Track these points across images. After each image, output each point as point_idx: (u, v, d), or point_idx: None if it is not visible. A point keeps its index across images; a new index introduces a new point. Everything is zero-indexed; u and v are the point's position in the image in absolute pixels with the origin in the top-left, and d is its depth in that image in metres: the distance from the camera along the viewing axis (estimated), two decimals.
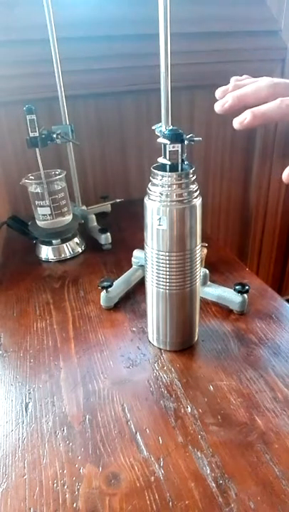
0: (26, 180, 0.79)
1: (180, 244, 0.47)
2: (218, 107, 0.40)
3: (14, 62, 0.90)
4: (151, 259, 0.49)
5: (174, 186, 0.45)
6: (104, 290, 0.63)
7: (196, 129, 1.15)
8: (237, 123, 0.37)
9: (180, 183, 0.45)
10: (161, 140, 0.44)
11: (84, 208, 0.94)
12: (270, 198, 1.35)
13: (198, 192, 0.47)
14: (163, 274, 0.49)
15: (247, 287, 0.60)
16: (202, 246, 0.68)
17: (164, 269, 0.49)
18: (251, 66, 1.11)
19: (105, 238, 0.85)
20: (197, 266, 0.50)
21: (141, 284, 0.69)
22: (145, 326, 0.59)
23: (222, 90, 0.41)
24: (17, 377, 0.52)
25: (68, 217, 0.85)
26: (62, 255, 0.83)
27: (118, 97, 1.04)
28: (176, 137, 0.43)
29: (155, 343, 0.56)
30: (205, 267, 0.65)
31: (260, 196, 1.33)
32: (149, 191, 0.47)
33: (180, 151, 0.44)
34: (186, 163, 0.45)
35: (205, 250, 0.71)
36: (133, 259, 0.71)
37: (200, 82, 1.08)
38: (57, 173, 0.83)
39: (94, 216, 0.92)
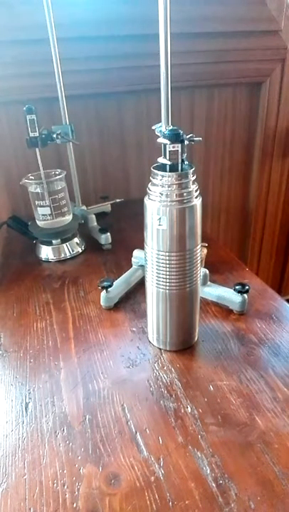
0: (26, 180, 0.79)
1: (180, 244, 0.47)
2: None
3: (14, 62, 0.90)
4: (151, 259, 0.49)
5: (174, 186, 0.45)
6: (104, 290, 0.63)
7: (196, 129, 1.15)
8: None
9: (180, 183, 0.45)
10: (161, 140, 0.44)
11: (84, 207, 0.94)
12: (270, 198, 1.35)
13: (198, 192, 0.47)
14: (163, 274, 0.49)
15: (247, 287, 0.60)
16: (202, 246, 0.68)
17: (164, 269, 0.49)
18: (251, 66, 1.11)
19: (105, 238, 0.85)
20: (197, 266, 0.50)
21: (141, 284, 0.69)
22: (145, 326, 0.59)
23: None
24: (17, 377, 0.52)
25: (68, 217, 0.85)
26: (62, 255, 0.83)
27: (118, 97, 1.04)
28: (176, 137, 0.43)
29: (155, 343, 0.56)
30: (205, 267, 0.65)
31: (260, 196, 1.33)
32: (149, 191, 0.47)
33: (180, 151, 0.44)
34: (186, 163, 0.45)
35: (205, 250, 0.71)
36: (133, 259, 0.71)
37: (200, 82, 1.08)
38: (57, 173, 0.83)
39: (94, 216, 0.92)
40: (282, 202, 1.38)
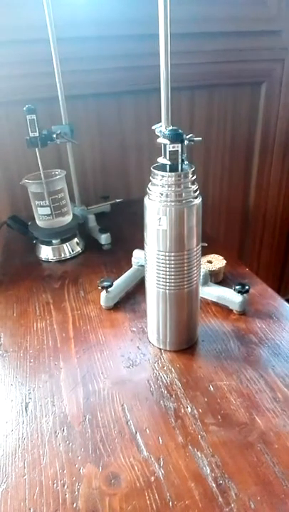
0: (26, 180, 0.79)
1: (180, 244, 0.47)
2: None
3: (14, 62, 0.90)
4: (151, 259, 0.49)
5: (174, 186, 0.45)
6: (104, 290, 0.63)
7: (196, 129, 1.15)
8: None
9: (180, 183, 0.45)
10: (161, 140, 0.44)
11: (84, 207, 0.94)
12: (270, 198, 1.35)
13: (198, 192, 0.47)
14: (163, 274, 0.49)
15: (247, 287, 0.60)
16: (221, 259, 0.67)
17: (164, 269, 0.49)
18: (251, 66, 1.11)
19: (105, 238, 0.85)
20: (198, 266, 0.50)
21: (141, 284, 0.69)
22: (145, 326, 0.59)
23: None
24: (17, 377, 0.52)
25: (68, 217, 0.85)
26: (62, 255, 0.83)
27: (118, 97, 1.04)
28: (176, 137, 0.43)
29: (155, 343, 0.56)
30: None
31: (260, 196, 1.33)
32: (149, 191, 0.47)
33: (180, 151, 0.44)
34: (186, 163, 0.45)
35: (224, 262, 0.69)
36: (133, 259, 0.71)
37: (200, 82, 1.08)
38: (57, 173, 0.83)
39: (94, 216, 0.92)
40: (282, 202, 1.38)
